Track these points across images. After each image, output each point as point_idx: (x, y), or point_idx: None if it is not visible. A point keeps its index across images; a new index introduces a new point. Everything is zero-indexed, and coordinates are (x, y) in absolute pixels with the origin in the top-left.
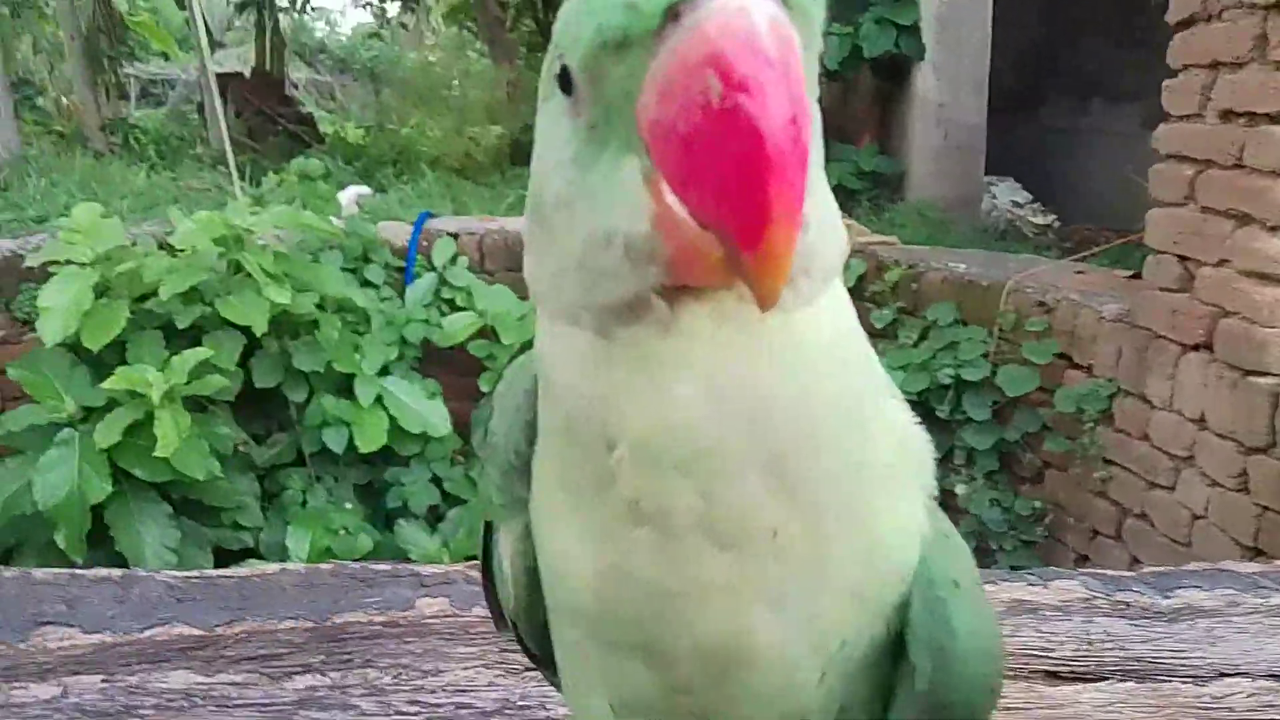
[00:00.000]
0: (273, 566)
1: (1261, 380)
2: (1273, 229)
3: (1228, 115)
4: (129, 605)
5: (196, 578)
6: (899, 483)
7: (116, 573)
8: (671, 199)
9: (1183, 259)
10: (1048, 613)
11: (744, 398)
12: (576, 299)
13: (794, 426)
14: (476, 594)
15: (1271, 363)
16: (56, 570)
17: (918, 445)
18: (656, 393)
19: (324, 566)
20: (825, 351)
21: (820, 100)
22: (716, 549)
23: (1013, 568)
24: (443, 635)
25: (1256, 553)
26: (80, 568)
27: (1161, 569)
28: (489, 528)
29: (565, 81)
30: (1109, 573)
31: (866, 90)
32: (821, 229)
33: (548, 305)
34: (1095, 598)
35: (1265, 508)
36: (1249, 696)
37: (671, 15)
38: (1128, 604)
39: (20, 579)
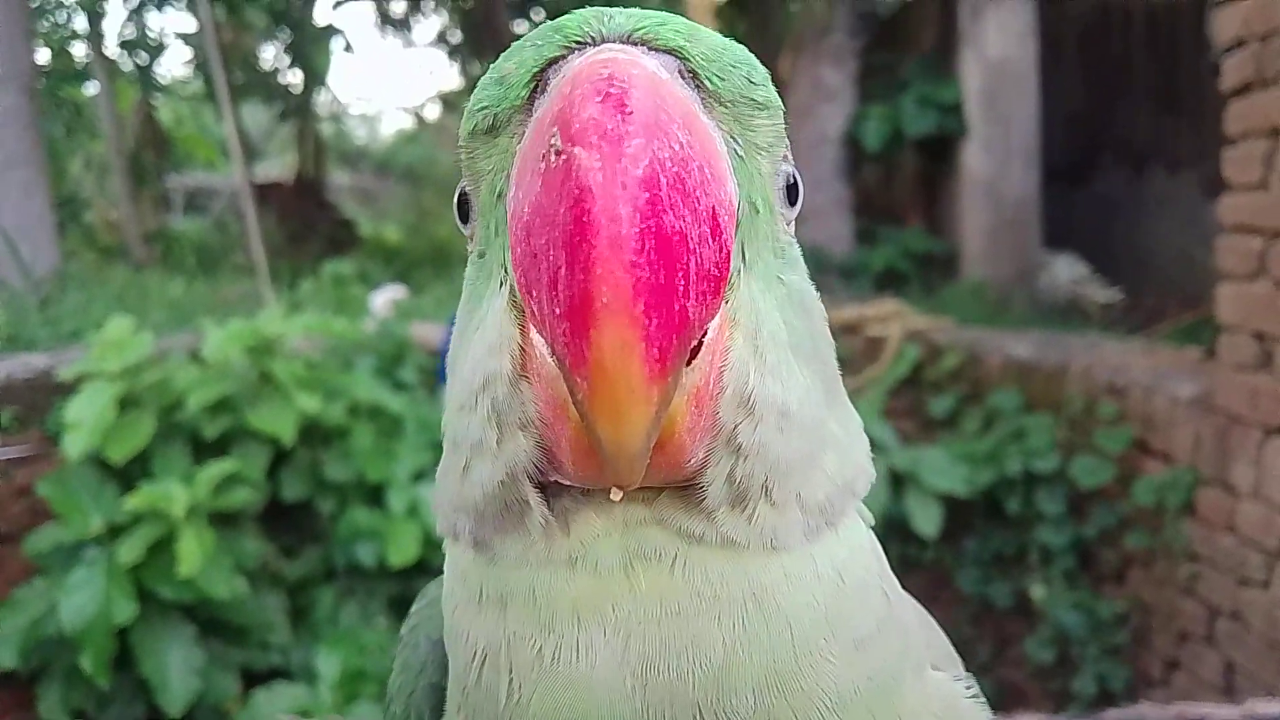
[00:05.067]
0: None
1: None
2: None
3: None
4: None
5: None
6: None
7: None
8: (535, 332)
9: (1259, 336)
10: None
11: (688, 685)
12: (451, 497)
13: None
14: None
15: None
16: None
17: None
18: (563, 658)
19: None
20: (812, 624)
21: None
22: None
23: (1100, 683)
24: None
25: None
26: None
27: (1276, 710)
28: None
29: (462, 205)
30: (1214, 716)
31: (910, 171)
32: (804, 434)
33: (439, 522)
34: None
35: None
36: None
37: (539, 84)
38: None
39: None
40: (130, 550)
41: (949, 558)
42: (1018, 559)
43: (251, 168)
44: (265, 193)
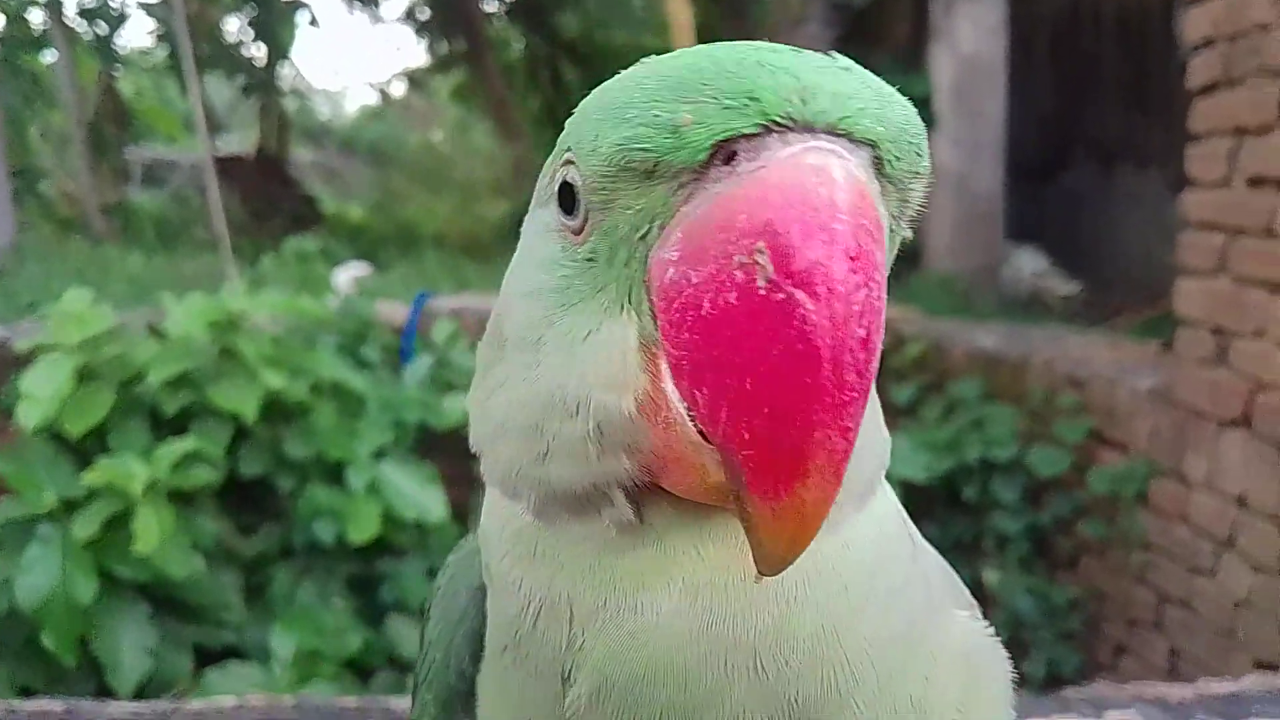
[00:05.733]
0: (229, 700)
1: None
2: None
3: (1256, 182)
4: None
5: (147, 713)
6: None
7: (59, 706)
8: (671, 386)
9: (1217, 331)
10: None
11: (748, 633)
12: (517, 467)
13: (820, 673)
14: None
15: None
16: None
17: (993, 666)
18: (628, 612)
19: (286, 700)
20: (862, 582)
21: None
22: None
23: (1050, 667)
24: None
25: None
26: (64, 673)
27: (1224, 688)
28: None
29: (567, 197)
30: (1170, 695)
31: None
32: (867, 427)
33: (485, 463)
34: None
35: None
36: None
37: (724, 154)
38: None
39: None
40: (85, 526)
41: None
42: (974, 545)
43: (213, 141)
44: (227, 167)
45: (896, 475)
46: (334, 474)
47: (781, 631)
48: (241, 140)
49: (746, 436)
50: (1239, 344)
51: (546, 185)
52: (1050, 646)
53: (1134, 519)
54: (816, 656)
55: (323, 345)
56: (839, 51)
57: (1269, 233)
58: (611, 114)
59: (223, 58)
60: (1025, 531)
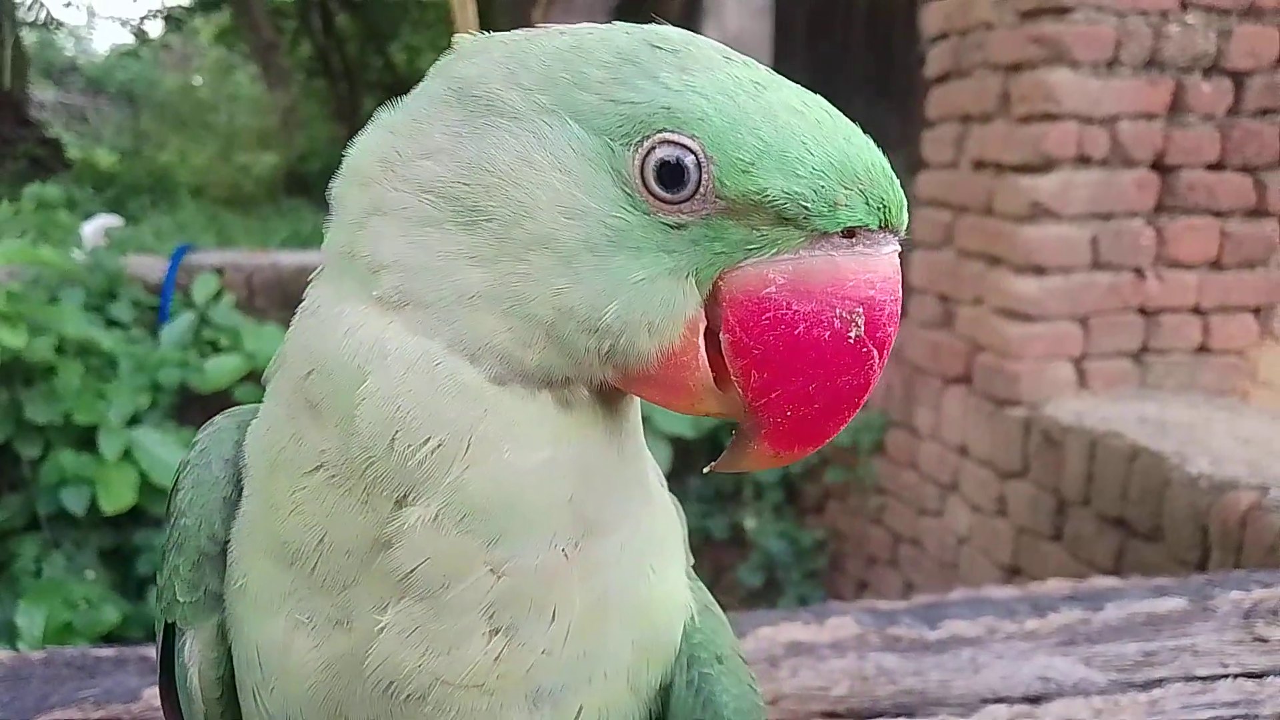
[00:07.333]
0: None
1: (1014, 411)
2: (1019, 270)
3: (979, 165)
4: None
5: None
6: (670, 555)
7: None
8: (703, 351)
9: (943, 298)
10: (824, 651)
11: (576, 471)
12: (491, 340)
13: (607, 502)
14: None
15: (1022, 394)
16: None
17: (678, 515)
18: (518, 455)
19: (34, 655)
20: (634, 430)
21: None
22: (488, 632)
23: (800, 603)
24: None
25: (1015, 572)
26: None
27: (929, 600)
28: (170, 632)
29: (674, 174)
30: (881, 606)
31: None
32: None
33: (421, 312)
34: (868, 633)
35: (1021, 529)
36: None
37: (847, 231)
38: (898, 638)
39: None
40: None
41: (675, 493)
42: (735, 494)
43: None
44: None
45: (668, 432)
46: (84, 440)
47: (599, 470)
48: None
49: (789, 413)
50: (961, 310)
51: (608, 115)
52: (799, 584)
53: (871, 467)
54: (611, 489)
55: (68, 301)
56: (617, 19)
57: (988, 210)
58: (779, 159)
59: None
60: (779, 480)
